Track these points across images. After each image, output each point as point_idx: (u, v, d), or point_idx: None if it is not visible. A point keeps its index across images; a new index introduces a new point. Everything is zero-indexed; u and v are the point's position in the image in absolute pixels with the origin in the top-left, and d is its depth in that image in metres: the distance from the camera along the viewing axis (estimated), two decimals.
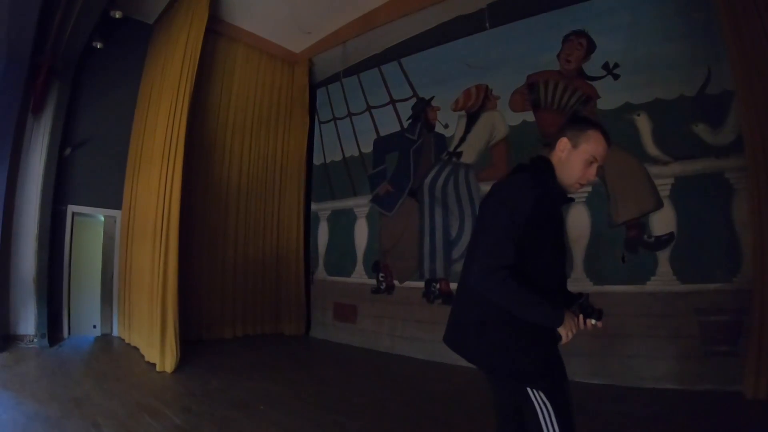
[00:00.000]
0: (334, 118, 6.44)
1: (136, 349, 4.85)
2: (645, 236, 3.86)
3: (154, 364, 4.28)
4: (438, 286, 5.01)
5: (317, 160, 6.66)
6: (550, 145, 1.57)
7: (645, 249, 3.83)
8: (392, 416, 3.25)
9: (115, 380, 3.86)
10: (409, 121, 5.54)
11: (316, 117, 6.73)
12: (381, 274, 5.56)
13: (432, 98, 5.33)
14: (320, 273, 6.35)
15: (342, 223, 6.12)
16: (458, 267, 4.73)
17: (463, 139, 5.04)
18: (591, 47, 4.23)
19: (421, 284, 5.12)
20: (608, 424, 2.97)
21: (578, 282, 3.99)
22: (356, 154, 6.09)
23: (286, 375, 4.29)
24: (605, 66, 4.14)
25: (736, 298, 3.39)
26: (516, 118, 4.65)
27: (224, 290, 5.84)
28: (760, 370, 3.05)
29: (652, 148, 3.87)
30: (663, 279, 3.75)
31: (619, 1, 4.14)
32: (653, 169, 3.83)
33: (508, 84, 4.73)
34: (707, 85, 3.66)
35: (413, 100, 5.52)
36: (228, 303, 5.85)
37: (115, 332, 5.64)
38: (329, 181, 6.41)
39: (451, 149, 5.11)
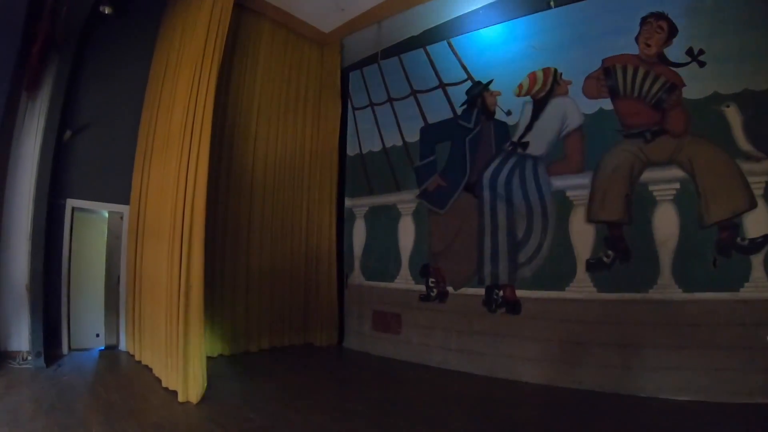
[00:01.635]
0: (372, 104, 6.12)
1: (149, 369, 4.46)
2: (738, 238, 3.68)
3: (174, 392, 3.76)
4: (501, 293, 4.70)
5: (351, 151, 6.35)
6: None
7: (738, 252, 3.67)
8: None
9: (129, 416, 3.30)
10: (464, 107, 5.25)
11: (349, 103, 6.44)
12: (431, 280, 5.24)
13: (490, 82, 5.06)
14: (356, 277, 6.04)
15: (382, 221, 5.82)
16: (526, 272, 4.60)
17: (529, 128, 4.75)
18: (672, 31, 4.04)
19: (481, 291, 4.83)
20: None
21: (666, 289, 3.85)
22: (399, 143, 5.76)
23: (337, 402, 3.82)
24: (689, 52, 3.95)
25: None
26: (591, 106, 4.39)
27: (249, 297, 5.55)
28: None
29: (743, 143, 3.69)
30: (757, 285, 3.61)
31: None
32: (746, 166, 3.68)
33: (579, 68, 4.49)
34: None
35: (467, 84, 5.23)
36: (253, 311, 5.56)
37: (123, 346, 5.29)
38: (366, 174, 6.09)
39: (515, 139, 4.83)
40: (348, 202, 6.21)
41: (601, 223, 4.16)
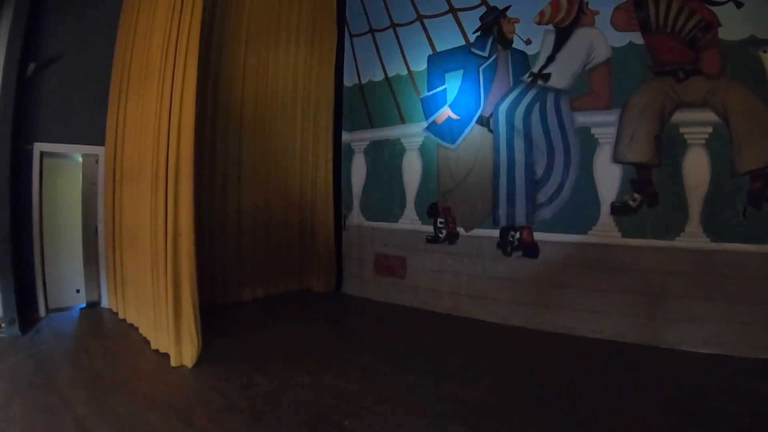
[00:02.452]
0: (372, 30, 5.59)
1: (134, 328, 4.13)
2: None
3: (166, 355, 3.45)
4: (518, 235, 4.51)
5: (349, 81, 5.88)
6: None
7: None
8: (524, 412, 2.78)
9: (118, 389, 2.99)
10: (477, 34, 4.81)
11: (346, 29, 5.88)
12: (440, 220, 5.01)
13: (508, 8, 4.63)
14: (356, 217, 5.76)
15: (385, 156, 5.48)
16: (545, 213, 4.41)
17: (551, 59, 4.40)
18: None
19: (495, 233, 4.64)
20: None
21: (694, 237, 3.75)
22: (404, 72, 5.31)
23: (350, 358, 3.59)
24: None
25: None
26: (620, 39, 4.08)
27: (241, 242, 5.21)
28: None
29: None
30: None
31: None
32: None
33: None
34: None
35: (481, 10, 4.78)
36: (246, 258, 5.24)
37: (105, 303, 4.89)
38: (366, 106, 5.66)
39: (535, 70, 4.47)
40: (346, 137, 5.82)
41: (629, 164, 3.96)
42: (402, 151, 5.26)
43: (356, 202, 5.68)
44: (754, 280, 3.54)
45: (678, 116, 3.81)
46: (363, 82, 5.62)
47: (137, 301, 4.02)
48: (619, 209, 4.02)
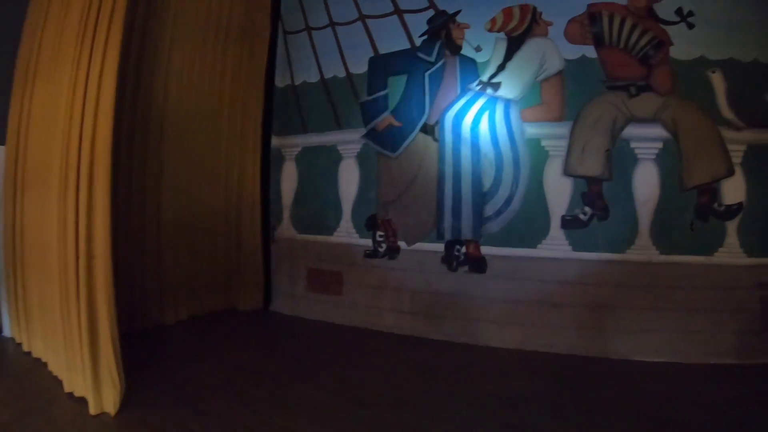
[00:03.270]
0: (308, 28, 5.14)
1: (43, 364, 3.30)
2: (716, 204, 3.75)
3: (83, 400, 2.65)
4: (464, 249, 4.23)
5: (281, 82, 5.37)
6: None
7: (715, 218, 3.74)
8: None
9: None
10: (424, 38, 4.53)
11: (280, 25, 5.39)
12: (379, 233, 4.61)
13: (458, 12, 4.40)
14: (286, 229, 5.21)
15: (319, 164, 5.02)
16: (493, 227, 4.18)
17: (502, 67, 4.22)
18: None
19: (440, 247, 4.33)
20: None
21: (644, 250, 3.78)
22: (342, 74, 4.91)
23: (295, 390, 3.06)
24: (678, 12, 3.82)
25: None
26: (574, 51, 4.03)
27: (161, 258, 4.50)
28: None
29: (726, 110, 3.73)
30: (730, 251, 3.70)
31: None
32: (726, 133, 3.73)
33: (562, 9, 4.09)
34: None
35: (429, 13, 4.52)
36: (167, 275, 4.52)
37: (7, 331, 3.95)
38: (299, 109, 5.17)
39: (485, 78, 4.27)
40: (276, 141, 5.27)
41: (580, 177, 3.86)
42: (338, 158, 4.83)
43: (286, 213, 5.14)
44: (702, 290, 3.65)
45: (629, 131, 3.80)
46: (296, 83, 5.14)
47: (45, 332, 3.18)
48: (569, 223, 3.89)
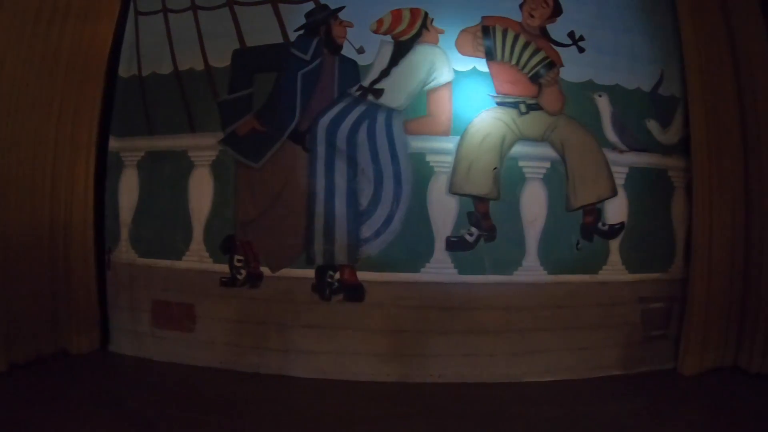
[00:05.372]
0: (165, 9, 4.23)
1: None
2: (600, 224, 3.85)
3: None
4: (338, 275, 3.72)
5: (126, 71, 4.33)
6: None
7: (599, 237, 3.86)
8: None
9: None
10: (300, 33, 3.94)
11: (131, 4, 4.40)
12: (238, 257, 3.85)
13: (341, 8, 3.89)
14: (124, 253, 4.18)
15: (166, 173, 4.11)
16: (371, 249, 3.72)
17: (386, 73, 3.80)
18: (557, 10, 3.94)
19: (310, 273, 3.74)
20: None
21: (532, 271, 3.74)
22: (200, 67, 4.07)
23: None
24: (570, 35, 3.88)
25: (670, 287, 3.94)
26: (464, 63, 3.82)
27: None
28: (688, 349, 3.74)
29: (610, 134, 3.90)
30: (614, 268, 3.87)
31: None
32: (610, 156, 3.91)
33: (455, 18, 3.87)
34: (660, 85, 4.01)
35: (309, 6, 3.94)
36: None
37: None
38: (145, 106, 4.20)
39: (366, 83, 3.81)
40: (114, 144, 4.25)
41: (466, 196, 3.63)
42: (189, 167, 3.99)
43: (125, 233, 4.14)
44: (588, 307, 3.76)
45: (518, 149, 3.70)
46: (144, 74, 4.21)
47: None
48: (455, 244, 3.62)
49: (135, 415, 3.00)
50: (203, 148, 3.97)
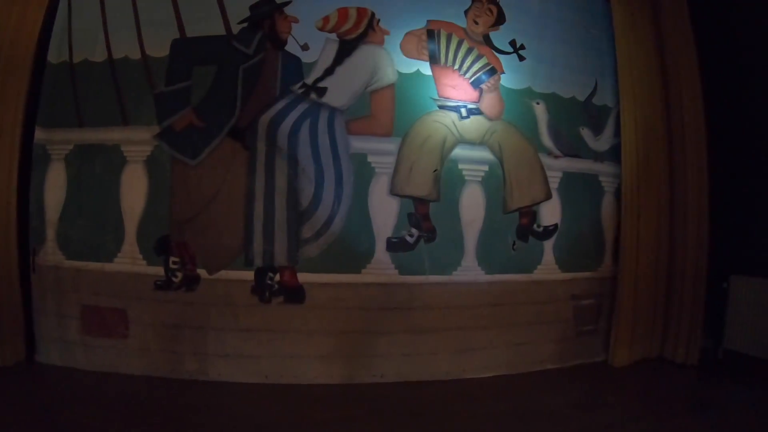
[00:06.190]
0: None
1: None
2: (535, 225, 4.02)
3: None
4: (278, 277, 3.58)
5: (56, 57, 3.94)
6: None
7: (534, 238, 4.06)
8: None
9: None
10: (244, 26, 3.75)
11: None
12: (173, 259, 3.63)
13: (288, 3, 3.75)
14: (50, 254, 3.81)
15: (96, 168, 3.79)
16: (312, 250, 3.62)
17: (330, 72, 3.70)
18: (500, 18, 4.04)
19: (249, 275, 3.58)
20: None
21: (470, 271, 3.82)
22: (136, 56, 3.79)
23: None
24: (512, 43, 4.02)
25: (600, 285, 4.15)
26: (409, 66, 3.82)
27: None
28: (618, 343, 3.99)
29: (546, 139, 4.06)
30: (547, 267, 4.04)
31: None
32: (546, 160, 4.05)
33: (401, 21, 3.85)
34: (593, 95, 4.20)
35: None
36: None
37: None
38: (75, 95, 3.84)
39: (309, 81, 3.68)
40: (41, 135, 3.87)
41: (407, 197, 3.62)
42: (122, 162, 3.72)
43: (51, 233, 3.80)
44: (524, 305, 3.89)
45: (458, 152, 3.75)
46: (75, 60, 3.86)
47: None
48: (396, 245, 3.62)
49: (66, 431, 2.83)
50: (137, 143, 3.72)
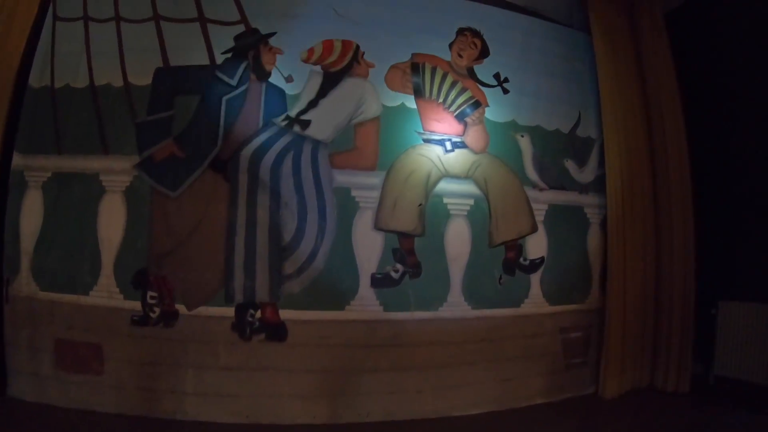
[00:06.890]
0: (87, 17, 3.79)
1: None
2: (521, 259, 3.96)
3: None
4: (259, 314, 3.44)
5: (37, 81, 3.82)
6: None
7: (521, 271, 4.03)
8: None
9: None
10: (228, 55, 3.68)
11: (51, 7, 3.90)
12: (151, 294, 3.49)
13: (272, 34, 3.69)
14: (25, 285, 3.65)
15: (74, 197, 3.66)
16: (294, 286, 3.49)
17: (314, 104, 3.63)
18: (485, 52, 4.06)
19: (230, 311, 3.44)
20: None
21: (456, 306, 3.74)
22: (119, 83, 3.69)
23: None
24: (496, 76, 4.02)
25: (588, 316, 4.10)
26: (394, 99, 3.78)
27: None
28: (607, 374, 3.92)
29: (531, 172, 4.05)
30: (535, 301, 3.98)
31: (516, 21, 4.17)
32: (531, 193, 4.03)
33: (386, 54, 3.82)
34: (577, 127, 4.21)
35: (239, 28, 3.71)
36: None
37: None
38: (55, 121, 3.72)
39: (293, 113, 3.61)
40: (18, 161, 3.74)
41: (391, 232, 3.55)
42: (100, 192, 3.59)
43: (26, 263, 3.63)
44: (511, 339, 3.82)
45: (442, 186, 3.70)
46: (57, 85, 3.74)
47: None
48: (380, 281, 3.53)
49: None
50: (116, 172, 3.59)
